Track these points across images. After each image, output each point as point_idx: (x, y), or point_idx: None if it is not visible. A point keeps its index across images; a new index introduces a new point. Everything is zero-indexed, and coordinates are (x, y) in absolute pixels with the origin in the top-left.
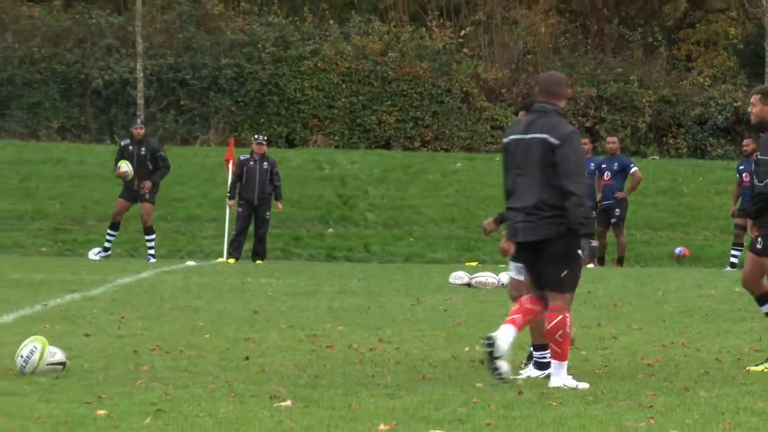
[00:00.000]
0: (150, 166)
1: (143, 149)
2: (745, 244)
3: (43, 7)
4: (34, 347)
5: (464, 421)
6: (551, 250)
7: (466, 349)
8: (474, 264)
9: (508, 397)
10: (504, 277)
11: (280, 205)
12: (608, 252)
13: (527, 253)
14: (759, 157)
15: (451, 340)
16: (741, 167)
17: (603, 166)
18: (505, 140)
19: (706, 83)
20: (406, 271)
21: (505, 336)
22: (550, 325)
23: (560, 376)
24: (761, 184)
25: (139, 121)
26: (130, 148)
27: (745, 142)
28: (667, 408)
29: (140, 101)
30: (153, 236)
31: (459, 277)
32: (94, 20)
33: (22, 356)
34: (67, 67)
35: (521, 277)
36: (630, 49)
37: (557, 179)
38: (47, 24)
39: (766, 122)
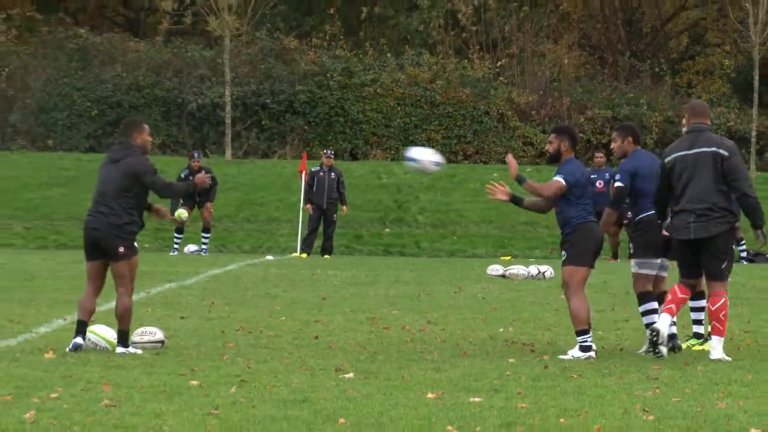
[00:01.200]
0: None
1: (204, 172)
2: None
3: (147, 42)
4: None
5: (499, 391)
6: (716, 244)
7: (501, 330)
8: (508, 258)
9: (536, 371)
10: (533, 270)
11: (345, 209)
12: (621, 248)
13: (688, 248)
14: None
15: (488, 323)
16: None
17: (593, 176)
18: (668, 159)
19: None
20: (450, 265)
21: (664, 324)
22: (716, 306)
23: (719, 350)
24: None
25: (196, 155)
26: (191, 178)
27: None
28: (671, 380)
29: (228, 121)
30: (209, 234)
31: (495, 269)
32: (189, 53)
33: (98, 345)
34: (167, 92)
35: (646, 272)
36: (640, 78)
37: (730, 184)
38: (150, 56)
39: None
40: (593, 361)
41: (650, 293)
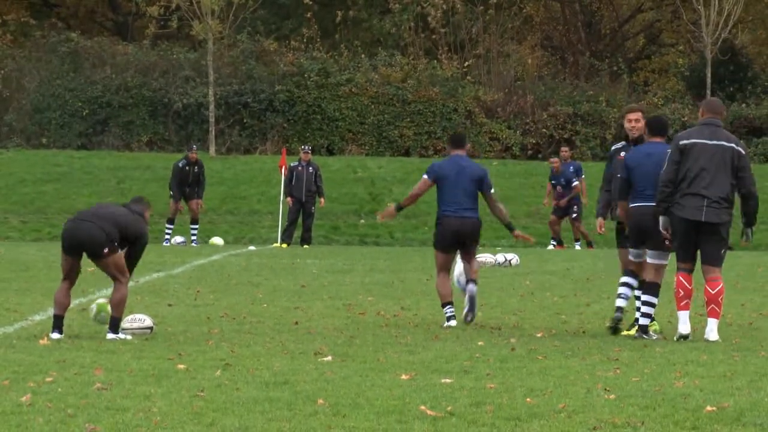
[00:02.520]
0: (199, 179)
1: (197, 168)
2: None
3: (135, 45)
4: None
5: (469, 372)
6: (718, 232)
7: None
8: None
9: (503, 353)
10: (500, 258)
11: (322, 201)
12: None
13: (692, 232)
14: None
15: (458, 308)
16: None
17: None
18: (686, 141)
19: (660, 103)
20: (421, 254)
21: (685, 322)
22: (715, 290)
23: (715, 332)
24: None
25: (194, 147)
26: (187, 168)
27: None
28: (630, 360)
29: (211, 120)
30: (197, 226)
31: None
32: (175, 56)
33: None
34: (154, 92)
35: (639, 259)
36: (599, 76)
37: (740, 180)
38: (138, 59)
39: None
40: (558, 344)
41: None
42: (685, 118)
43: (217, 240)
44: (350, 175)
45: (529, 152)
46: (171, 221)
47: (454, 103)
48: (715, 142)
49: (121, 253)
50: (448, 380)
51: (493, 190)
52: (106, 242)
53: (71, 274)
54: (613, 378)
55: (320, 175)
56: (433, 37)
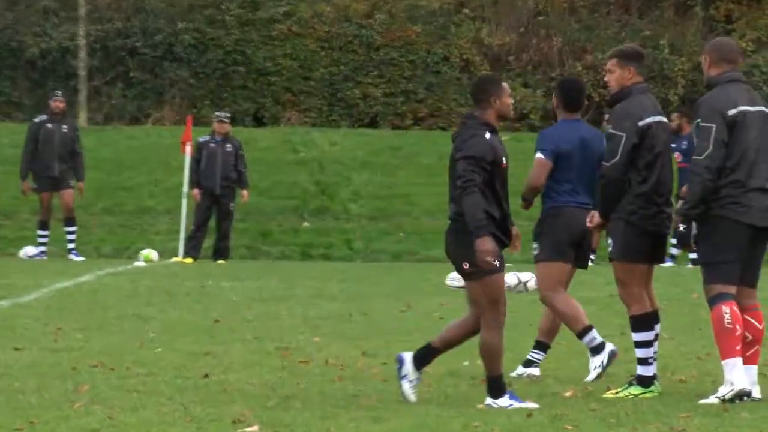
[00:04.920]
0: (71, 149)
1: (65, 127)
2: None
3: None
4: None
5: None
6: (766, 240)
7: (466, 363)
8: None
9: (516, 421)
10: (511, 279)
11: (246, 194)
12: None
13: (754, 241)
14: (610, 131)
15: (447, 353)
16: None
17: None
18: (732, 111)
19: (750, 48)
20: (395, 272)
21: (748, 374)
22: (762, 325)
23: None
24: (608, 164)
25: (58, 92)
26: (49, 126)
27: (672, 116)
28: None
29: (82, 73)
30: (75, 228)
31: (457, 278)
32: None
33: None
34: None
35: None
36: (659, 9)
37: None
38: None
39: (628, 89)
40: (596, 407)
41: None
42: None
43: (153, 255)
44: (288, 156)
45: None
46: (45, 225)
47: (443, 48)
48: (758, 108)
49: None
50: None
51: None
52: None
53: None
54: None
55: (243, 156)
56: None
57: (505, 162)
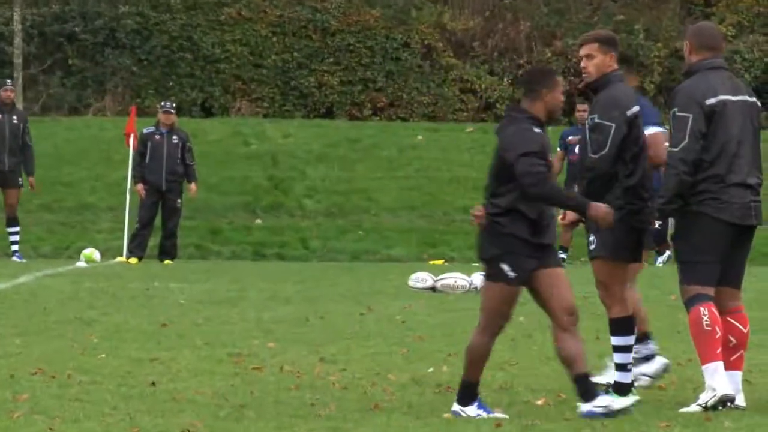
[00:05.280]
0: (21, 141)
1: (15, 118)
2: None
3: None
4: None
5: None
6: (751, 239)
7: (430, 370)
8: (440, 263)
9: (484, 431)
10: (477, 279)
11: (194, 188)
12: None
13: (734, 239)
14: (596, 120)
15: (410, 359)
16: (569, 136)
17: (570, 137)
18: (714, 100)
19: (730, 33)
20: (354, 273)
21: (732, 379)
22: (747, 328)
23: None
24: (596, 156)
25: (9, 82)
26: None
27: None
28: None
29: (17, 60)
30: (18, 228)
31: (421, 279)
32: None
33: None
34: None
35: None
36: None
37: None
38: None
39: (607, 77)
40: (570, 416)
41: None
42: None
43: (95, 255)
44: (239, 149)
45: None
46: (14, 221)
47: (404, 34)
48: (740, 98)
49: None
50: None
51: None
52: None
53: None
54: None
55: (190, 148)
56: None
57: (549, 159)
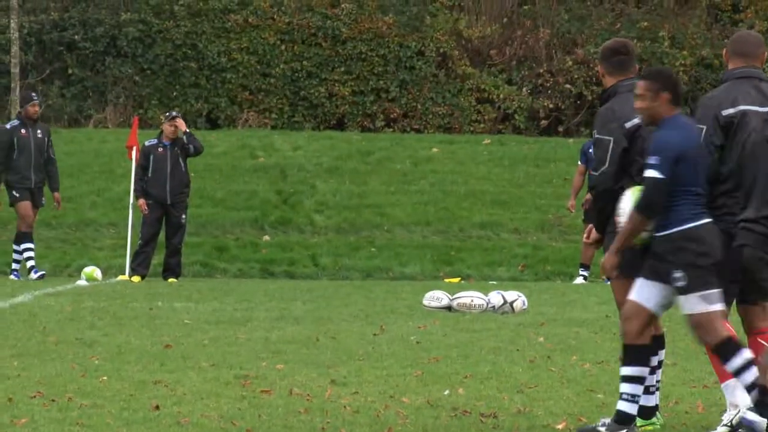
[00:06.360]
0: (46, 155)
1: (39, 132)
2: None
3: None
4: None
5: None
6: None
7: (446, 392)
8: (456, 281)
9: None
10: (495, 298)
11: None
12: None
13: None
14: (596, 136)
15: (425, 381)
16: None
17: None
18: (729, 110)
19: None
20: (366, 291)
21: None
22: None
23: None
24: (596, 173)
25: (34, 95)
26: (23, 131)
27: None
28: None
29: (14, 70)
30: (33, 245)
31: (436, 298)
32: None
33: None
34: None
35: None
36: None
37: None
38: None
39: (614, 88)
40: None
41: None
42: None
43: (96, 273)
44: (246, 162)
45: (544, 123)
46: (28, 237)
47: (418, 41)
48: (766, 108)
49: None
50: None
51: None
52: None
53: None
54: None
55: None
56: None
57: None
